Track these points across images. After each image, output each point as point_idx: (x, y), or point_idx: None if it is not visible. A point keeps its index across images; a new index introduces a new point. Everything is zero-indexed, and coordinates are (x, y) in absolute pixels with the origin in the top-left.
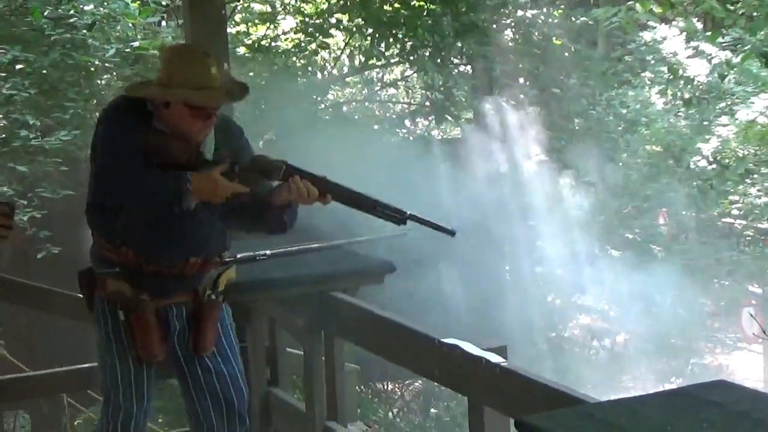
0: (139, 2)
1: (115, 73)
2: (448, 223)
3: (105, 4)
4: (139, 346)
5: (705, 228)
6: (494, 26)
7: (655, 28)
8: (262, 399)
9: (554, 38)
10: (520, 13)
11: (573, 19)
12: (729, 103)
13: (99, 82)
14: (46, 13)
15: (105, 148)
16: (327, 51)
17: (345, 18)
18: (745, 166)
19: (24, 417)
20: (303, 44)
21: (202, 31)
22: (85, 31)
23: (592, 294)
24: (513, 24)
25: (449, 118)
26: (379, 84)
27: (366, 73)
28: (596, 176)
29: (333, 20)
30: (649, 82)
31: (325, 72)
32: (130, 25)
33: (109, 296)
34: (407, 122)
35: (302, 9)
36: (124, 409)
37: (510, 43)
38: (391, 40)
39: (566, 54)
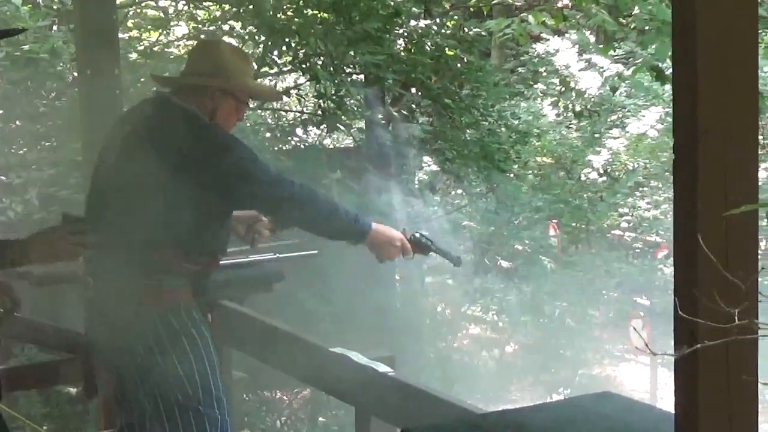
0: (29, 6)
1: (5, 77)
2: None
3: None
4: None
5: (595, 240)
6: (387, 35)
7: (548, 40)
8: None
9: (447, 48)
10: (413, 23)
11: (466, 29)
12: (620, 115)
13: None
14: None
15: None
16: None
17: (238, 25)
18: (635, 179)
19: None
20: None
21: (93, 36)
22: None
23: (482, 304)
24: (406, 34)
25: (341, 127)
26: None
27: (259, 80)
28: (487, 187)
29: (226, 27)
30: (541, 94)
31: None
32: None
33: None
34: (299, 131)
35: (195, 15)
36: None
37: (402, 53)
38: (284, 48)
39: (459, 65)
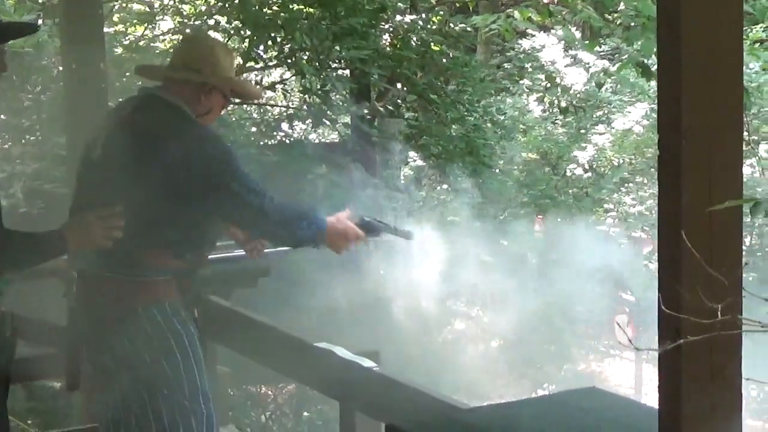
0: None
1: None
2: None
3: None
4: None
5: (580, 235)
6: (373, 30)
7: (534, 36)
8: None
9: (433, 44)
10: (399, 18)
11: (452, 25)
12: (606, 111)
13: None
14: None
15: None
16: None
17: (224, 20)
18: (621, 174)
19: None
20: None
21: (78, 30)
22: None
23: (467, 300)
24: (391, 29)
25: (326, 121)
26: (257, 87)
27: (244, 75)
28: (473, 182)
29: (212, 22)
30: (527, 90)
31: None
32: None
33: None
34: (284, 125)
35: (181, 10)
36: None
37: (388, 48)
38: (269, 42)
39: (444, 60)
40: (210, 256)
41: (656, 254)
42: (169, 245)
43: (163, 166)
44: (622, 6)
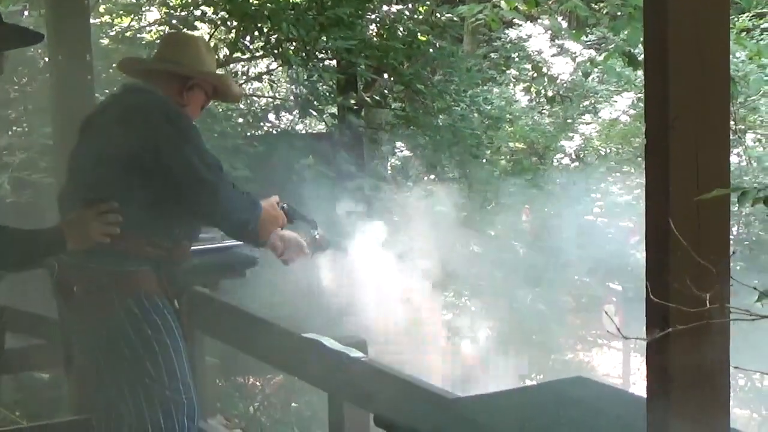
0: None
1: None
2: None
3: None
4: None
5: (567, 225)
6: (359, 21)
7: (521, 25)
8: None
9: (419, 34)
10: (385, 8)
11: (438, 15)
12: (592, 101)
13: None
14: None
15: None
16: None
17: (210, 10)
18: (607, 164)
19: None
20: None
21: (64, 22)
22: None
23: (455, 289)
24: (378, 19)
25: (313, 112)
26: (244, 77)
27: (231, 66)
28: (460, 172)
29: (198, 12)
30: (513, 80)
31: None
32: None
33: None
34: (271, 116)
35: (167, 1)
36: None
37: (375, 38)
38: (255, 33)
39: (431, 50)
40: (197, 247)
41: (644, 243)
42: (142, 229)
43: (133, 145)
44: None
